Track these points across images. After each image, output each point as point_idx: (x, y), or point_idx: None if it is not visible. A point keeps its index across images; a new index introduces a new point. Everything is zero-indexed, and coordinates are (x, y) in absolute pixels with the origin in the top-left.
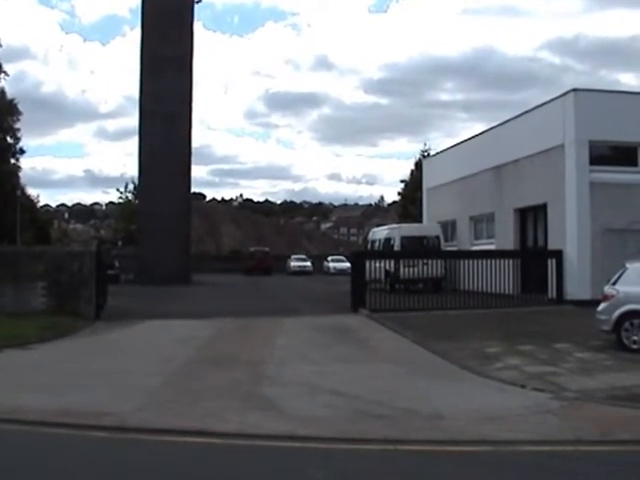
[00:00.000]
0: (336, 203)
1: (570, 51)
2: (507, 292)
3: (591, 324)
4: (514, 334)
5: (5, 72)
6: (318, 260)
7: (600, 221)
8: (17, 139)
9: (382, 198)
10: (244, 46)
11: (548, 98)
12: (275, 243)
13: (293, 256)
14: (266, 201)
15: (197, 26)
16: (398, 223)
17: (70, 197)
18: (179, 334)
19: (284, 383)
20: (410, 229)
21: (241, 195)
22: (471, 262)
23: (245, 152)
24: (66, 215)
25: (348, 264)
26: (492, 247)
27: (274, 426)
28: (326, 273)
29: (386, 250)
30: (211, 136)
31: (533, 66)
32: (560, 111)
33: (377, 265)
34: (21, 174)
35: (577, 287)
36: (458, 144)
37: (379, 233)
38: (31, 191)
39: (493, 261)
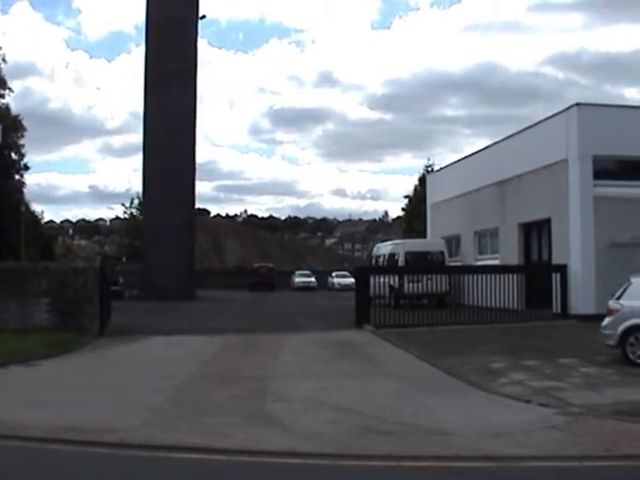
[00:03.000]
0: (340, 218)
1: (573, 66)
2: (512, 307)
3: (596, 339)
4: (519, 349)
5: (10, 88)
6: (322, 276)
7: (604, 235)
8: (21, 155)
9: (386, 213)
10: (249, 62)
11: (552, 113)
12: (279, 259)
13: (297, 272)
14: (270, 217)
15: (202, 43)
16: (402, 238)
17: (75, 213)
18: (183, 350)
19: (288, 399)
20: (414, 244)
21: (245, 211)
22: (475, 277)
23: (250, 168)
24: (70, 231)
25: (352, 280)
26: (496, 262)
27: (278, 442)
28: (330, 289)
29: (390, 265)
30: (216, 152)
31: (537, 81)
32: (563, 126)
33: (381, 280)
34: (26, 190)
35: (582, 302)
36: (462, 159)
37: (383, 248)
38: (36, 207)
39: (497, 276)
